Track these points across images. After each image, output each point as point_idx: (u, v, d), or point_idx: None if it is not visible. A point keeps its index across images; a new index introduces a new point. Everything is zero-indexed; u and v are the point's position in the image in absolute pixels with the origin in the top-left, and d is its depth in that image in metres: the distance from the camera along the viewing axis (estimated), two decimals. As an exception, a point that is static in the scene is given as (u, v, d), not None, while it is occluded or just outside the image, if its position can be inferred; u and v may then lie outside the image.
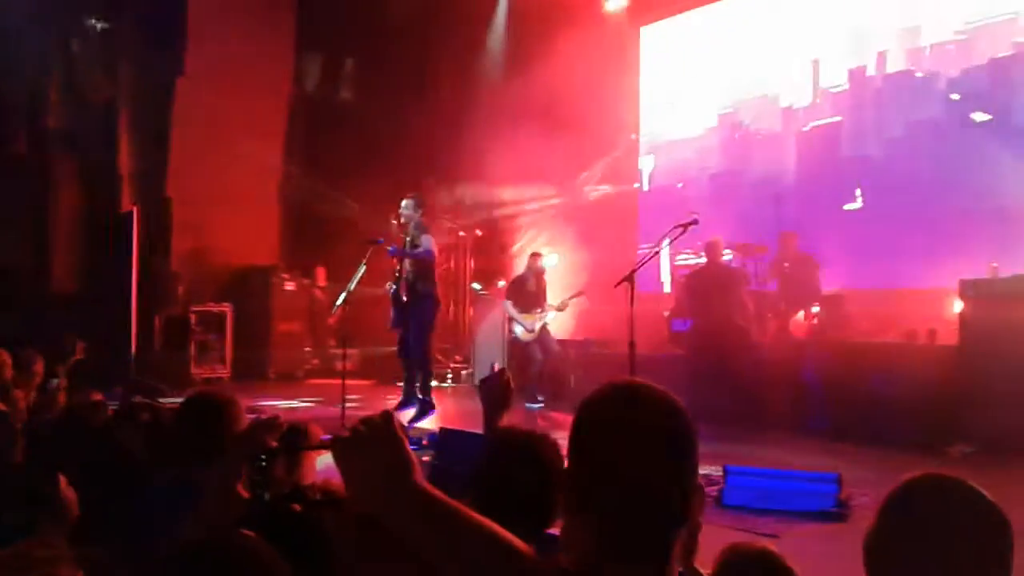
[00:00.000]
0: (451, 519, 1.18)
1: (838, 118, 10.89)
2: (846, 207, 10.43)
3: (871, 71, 10.59)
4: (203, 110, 12.74)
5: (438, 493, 1.19)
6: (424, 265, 8.20)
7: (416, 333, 8.20)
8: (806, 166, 11.17)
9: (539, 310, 10.42)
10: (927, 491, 1.56)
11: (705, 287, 9.34)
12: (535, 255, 10.83)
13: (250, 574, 1.08)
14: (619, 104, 12.87)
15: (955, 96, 9.72)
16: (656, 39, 13.32)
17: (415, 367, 8.23)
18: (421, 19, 13.70)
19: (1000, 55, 9.34)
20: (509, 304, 10.59)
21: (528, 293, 10.48)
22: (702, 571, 1.87)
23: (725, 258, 10.03)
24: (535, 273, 10.62)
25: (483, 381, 2.59)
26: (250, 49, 13.34)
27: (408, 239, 8.22)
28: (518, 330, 10.51)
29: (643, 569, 1.28)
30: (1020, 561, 1.51)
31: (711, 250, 9.52)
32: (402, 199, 8.41)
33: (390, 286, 8.27)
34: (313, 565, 1.36)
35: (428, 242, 8.15)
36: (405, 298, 8.14)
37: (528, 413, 9.16)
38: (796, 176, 11.23)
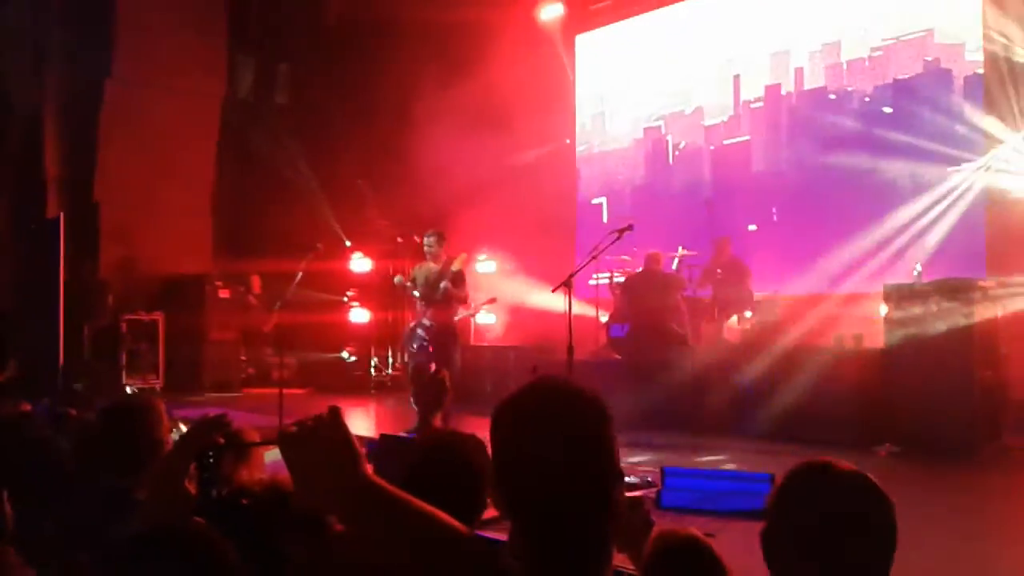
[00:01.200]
0: (397, 508, 1.20)
1: (746, 137, 11.23)
2: (772, 218, 10.71)
3: (788, 87, 10.90)
4: (132, 114, 12.48)
5: (384, 483, 1.20)
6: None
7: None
8: (724, 179, 11.48)
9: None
10: (809, 475, 1.65)
11: (641, 291, 9.46)
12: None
13: (200, 559, 1.08)
14: (555, 112, 12.98)
15: (867, 111, 10.11)
16: (591, 48, 13.46)
17: None
18: (356, 24, 13.64)
19: (912, 73, 9.75)
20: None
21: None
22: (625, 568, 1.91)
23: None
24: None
25: (417, 384, 2.60)
26: (181, 52, 13.12)
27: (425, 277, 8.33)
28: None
29: (573, 559, 1.32)
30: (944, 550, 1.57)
31: (650, 259, 9.65)
32: (425, 234, 8.53)
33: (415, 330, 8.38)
34: (262, 559, 1.35)
35: (461, 284, 8.31)
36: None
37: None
38: (716, 188, 11.50)
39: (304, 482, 1.24)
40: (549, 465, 1.32)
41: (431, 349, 8.18)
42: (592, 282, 10.81)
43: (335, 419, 1.24)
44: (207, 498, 1.62)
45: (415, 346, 8.28)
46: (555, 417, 1.36)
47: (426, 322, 8.23)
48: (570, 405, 1.38)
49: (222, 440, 1.71)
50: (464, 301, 8.68)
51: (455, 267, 8.23)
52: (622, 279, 10.35)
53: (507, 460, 1.37)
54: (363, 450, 1.26)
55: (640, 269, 9.82)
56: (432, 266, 8.33)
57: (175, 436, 2.27)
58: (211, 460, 1.62)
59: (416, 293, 8.47)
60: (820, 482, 1.63)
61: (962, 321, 7.04)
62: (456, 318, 9.49)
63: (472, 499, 1.97)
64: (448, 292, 8.14)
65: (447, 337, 8.24)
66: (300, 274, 8.03)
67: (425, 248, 8.43)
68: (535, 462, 1.33)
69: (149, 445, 2.24)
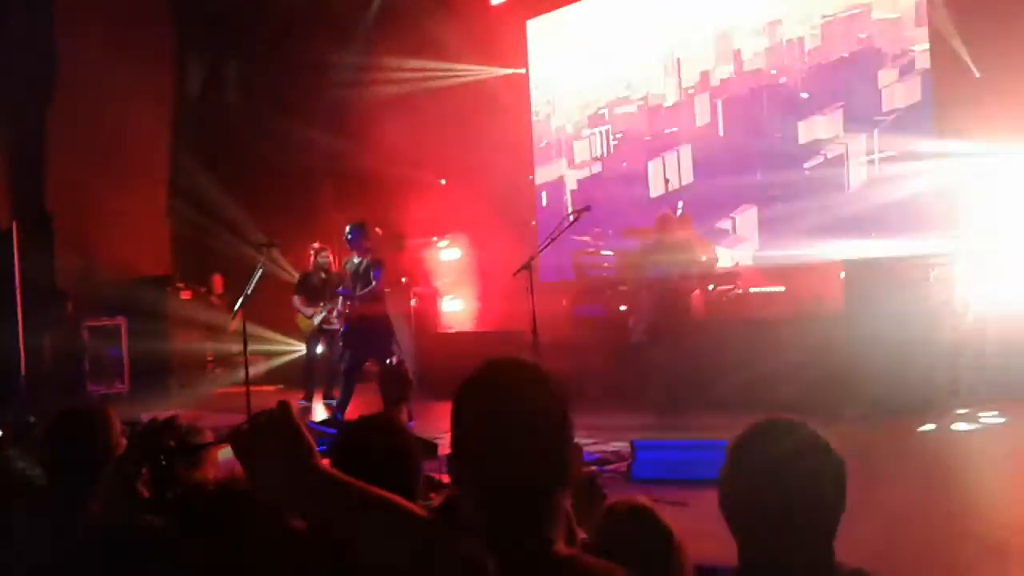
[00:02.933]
0: (354, 497, 1.20)
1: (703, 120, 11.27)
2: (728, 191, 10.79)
3: (729, 71, 10.99)
4: (80, 118, 12.26)
5: (338, 474, 1.20)
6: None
7: (381, 357, 8.23)
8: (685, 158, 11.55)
9: (323, 303, 10.21)
10: (760, 431, 1.72)
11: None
12: (318, 249, 10.55)
13: (156, 556, 1.08)
14: (509, 96, 12.94)
15: (804, 93, 10.22)
16: (541, 32, 13.40)
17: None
18: (303, 17, 13.47)
19: (849, 51, 9.87)
20: (296, 300, 10.39)
21: (312, 287, 10.30)
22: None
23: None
24: (321, 268, 10.43)
25: (380, 376, 2.57)
26: (127, 53, 12.88)
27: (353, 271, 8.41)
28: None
29: (532, 534, 1.34)
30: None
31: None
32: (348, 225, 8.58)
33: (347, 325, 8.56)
34: (219, 556, 1.35)
35: (380, 277, 8.33)
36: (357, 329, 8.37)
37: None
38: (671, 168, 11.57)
39: (257, 478, 1.24)
40: (508, 442, 1.34)
41: (362, 343, 8.24)
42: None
43: (284, 413, 1.24)
44: (161, 500, 1.61)
45: (341, 342, 8.52)
46: (512, 394, 1.39)
47: (355, 316, 8.33)
48: (527, 382, 1.41)
49: (172, 443, 1.69)
50: (381, 292, 8.58)
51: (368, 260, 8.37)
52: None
53: (466, 437, 1.39)
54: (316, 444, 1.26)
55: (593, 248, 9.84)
56: (355, 259, 8.43)
57: None
58: (164, 462, 1.61)
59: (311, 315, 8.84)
60: (768, 441, 1.66)
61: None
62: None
63: (400, 482, 1.96)
64: (372, 285, 8.22)
65: (377, 330, 8.30)
66: (260, 271, 7.96)
67: (347, 240, 8.52)
68: (494, 439, 1.35)
69: (101, 450, 2.20)
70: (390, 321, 8.56)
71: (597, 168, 12.62)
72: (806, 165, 10.06)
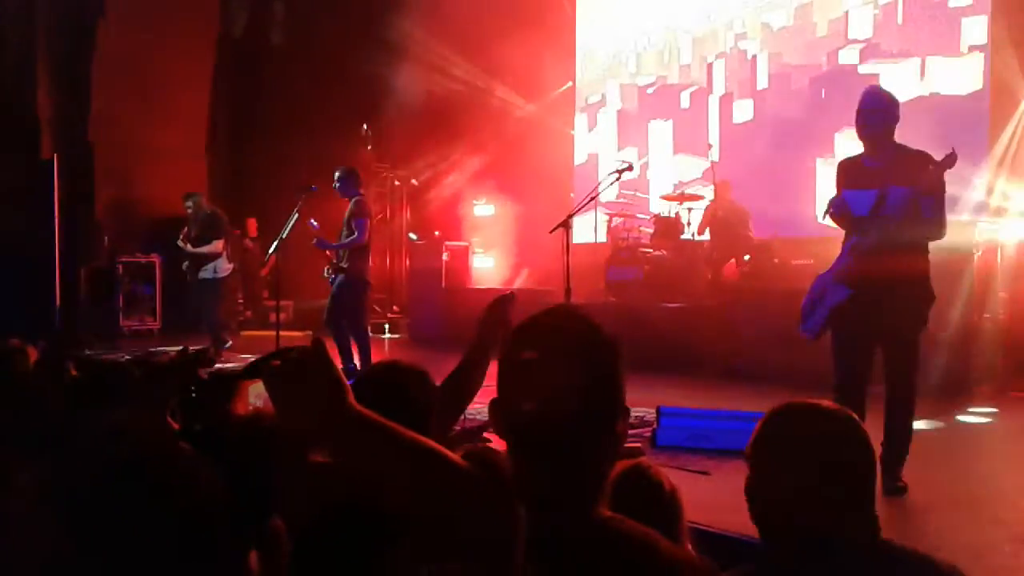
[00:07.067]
0: (388, 438, 1.18)
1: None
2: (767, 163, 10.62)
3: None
4: (125, 54, 12.28)
5: (372, 414, 1.18)
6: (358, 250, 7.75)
7: (352, 319, 7.73)
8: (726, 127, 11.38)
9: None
10: (788, 417, 1.66)
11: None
12: (190, 195, 10.14)
13: (179, 481, 1.07)
14: (556, 56, 12.78)
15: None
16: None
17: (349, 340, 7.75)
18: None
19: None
20: (180, 241, 9.94)
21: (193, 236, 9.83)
22: None
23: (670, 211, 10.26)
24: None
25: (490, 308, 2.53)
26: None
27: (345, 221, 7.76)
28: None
29: (572, 488, 1.31)
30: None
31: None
32: (334, 172, 7.92)
33: (329, 275, 7.80)
34: (246, 489, 1.34)
35: (362, 227, 7.62)
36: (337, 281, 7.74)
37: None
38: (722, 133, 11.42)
39: (290, 416, 1.22)
40: (559, 392, 1.31)
41: (335, 302, 7.67)
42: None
43: (319, 351, 1.22)
44: (190, 432, 1.61)
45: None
46: (571, 345, 1.35)
47: (340, 266, 7.66)
48: (583, 333, 1.37)
49: (205, 375, 1.69)
50: (362, 246, 7.76)
51: (352, 206, 7.71)
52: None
53: (513, 383, 1.36)
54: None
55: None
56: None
57: None
58: (194, 395, 1.61)
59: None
60: (800, 424, 1.62)
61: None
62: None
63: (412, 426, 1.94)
64: (354, 236, 7.58)
65: (352, 287, 7.71)
66: (296, 216, 7.93)
67: (335, 187, 7.87)
68: (545, 389, 1.31)
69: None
70: (365, 282, 7.92)
71: (641, 129, 12.48)
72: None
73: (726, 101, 11.44)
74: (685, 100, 11.96)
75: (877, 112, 4.37)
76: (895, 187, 4.21)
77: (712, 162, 10.11)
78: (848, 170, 4.53)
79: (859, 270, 4.30)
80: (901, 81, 9.29)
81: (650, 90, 12.42)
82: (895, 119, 4.37)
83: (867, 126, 4.38)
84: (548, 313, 1.40)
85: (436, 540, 1.17)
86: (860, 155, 4.53)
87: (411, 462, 1.17)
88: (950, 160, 4.09)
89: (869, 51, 10.05)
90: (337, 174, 7.91)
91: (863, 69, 9.99)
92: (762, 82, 11.12)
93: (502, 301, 2.51)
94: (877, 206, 4.27)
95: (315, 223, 7.96)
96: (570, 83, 13.22)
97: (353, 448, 1.19)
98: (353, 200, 7.77)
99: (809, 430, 1.62)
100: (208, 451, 1.21)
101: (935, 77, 9.43)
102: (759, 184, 10.29)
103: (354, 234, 7.62)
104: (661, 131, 12.16)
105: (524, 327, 1.39)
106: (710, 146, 10.37)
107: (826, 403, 1.70)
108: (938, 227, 4.25)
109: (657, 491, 1.90)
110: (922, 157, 4.24)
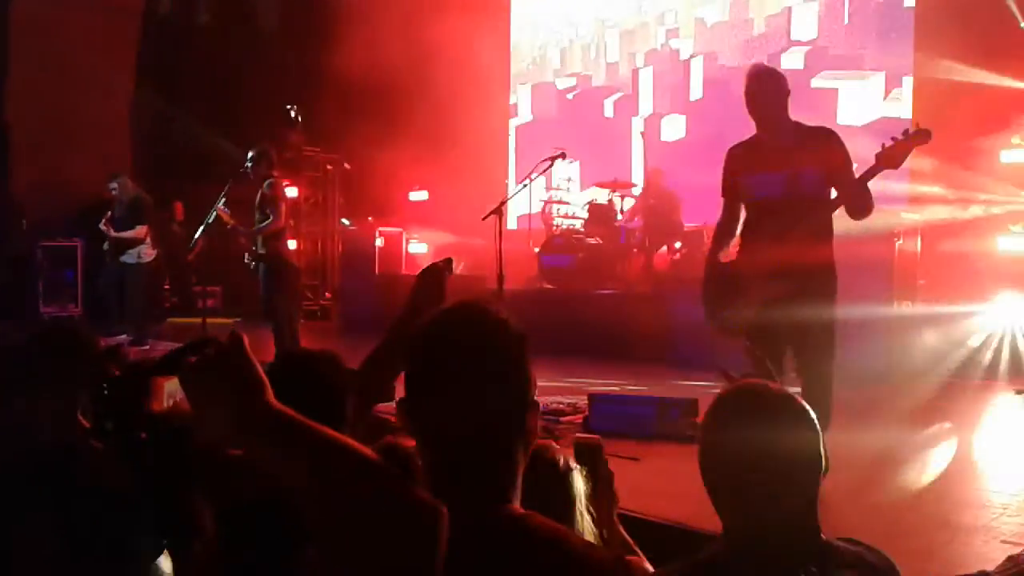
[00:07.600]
0: (304, 436, 1.15)
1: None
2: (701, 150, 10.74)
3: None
4: (43, 28, 11.82)
5: (290, 411, 1.14)
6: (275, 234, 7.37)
7: (281, 304, 7.39)
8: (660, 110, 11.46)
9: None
10: (738, 399, 1.67)
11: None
12: (115, 176, 9.99)
13: (95, 478, 1.02)
14: (490, 34, 12.70)
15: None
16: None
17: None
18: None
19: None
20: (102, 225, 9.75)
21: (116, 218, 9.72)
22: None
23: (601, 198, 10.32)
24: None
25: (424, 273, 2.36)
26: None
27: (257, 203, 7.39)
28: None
29: (485, 486, 1.30)
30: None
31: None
32: (248, 151, 7.49)
33: (249, 262, 7.39)
34: (160, 490, 1.30)
35: (277, 211, 7.25)
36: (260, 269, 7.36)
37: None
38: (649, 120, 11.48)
39: (206, 412, 1.18)
40: (466, 390, 1.29)
41: (271, 286, 7.29)
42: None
43: (236, 347, 1.18)
44: (101, 430, 1.54)
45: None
46: (477, 343, 1.33)
47: (259, 253, 7.26)
48: (488, 330, 1.35)
49: (117, 371, 1.62)
50: (276, 227, 7.35)
51: (265, 189, 7.30)
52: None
53: (422, 385, 1.34)
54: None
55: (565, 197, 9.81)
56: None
57: None
58: (106, 392, 1.54)
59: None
60: (749, 406, 1.62)
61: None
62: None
63: (327, 418, 1.89)
64: (269, 220, 7.21)
65: (278, 273, 7.37)
66: (223, 200, 7.71)
67: (248, 166, 7.42)
68: (452, 389, 1.30)
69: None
70: (290, 265, 7.65)
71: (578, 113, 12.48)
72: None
73: (652, 122, 11.37)
74: (609, 108, 11.94)
75: (768, 89, 4.14)
76: (808, 167, 4.00)
77: (641, 133, 10.25)
78: (741, 157, 4.28)
79: (768, 256, 4.01)
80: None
81: (570, 95, 12.42)
82: (788, 92, 4.15)
83: (765, 105, 4.12)
84: (453, 310, 1.39)
85: (349, 540, 1.14)
86: (754, 137, 4.27)
87: (333, 463, 1.14)
88: (924, 135, 3.82)
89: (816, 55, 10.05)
90: (250, 154, 7.46)
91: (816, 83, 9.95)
92: (696, 91, 11.13)
93: (437, 269, 2.32)
94: (789, 187, 4.04)
95: (226, 208, 7.61)
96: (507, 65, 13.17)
97: (268, 446, 1.16)
98: (266, 183, 7.40)
99: (759, 407, 1.61)
100: (120, 450, 1.16)
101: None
102: (689, 174, 10.40)
103: (268, 219, 7.28)
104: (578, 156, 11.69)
105: (430, 326, 1.38)
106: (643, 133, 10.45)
107: (774, 387, 1.70)
108: (864, 205, 3.95)
109: (552, 470, 1.87)
110: (824, 132, 4.10)
